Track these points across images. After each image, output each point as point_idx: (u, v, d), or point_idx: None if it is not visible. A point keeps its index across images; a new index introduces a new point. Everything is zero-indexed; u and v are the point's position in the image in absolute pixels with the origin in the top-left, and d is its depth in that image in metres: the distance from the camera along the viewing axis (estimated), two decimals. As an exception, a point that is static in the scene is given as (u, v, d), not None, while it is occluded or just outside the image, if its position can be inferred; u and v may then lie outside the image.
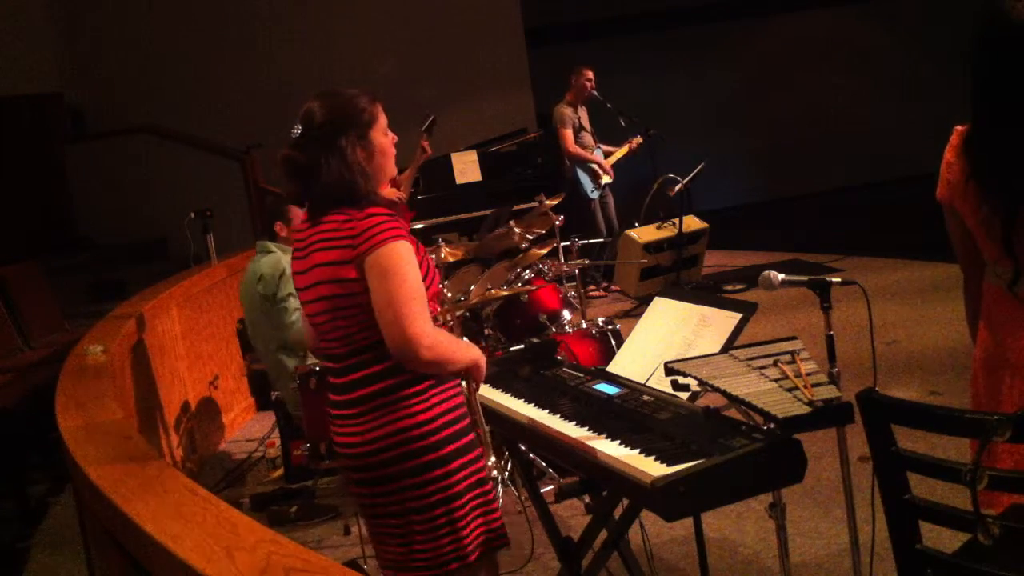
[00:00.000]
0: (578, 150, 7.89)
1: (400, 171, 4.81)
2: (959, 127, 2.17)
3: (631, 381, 2.74)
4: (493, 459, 3.62)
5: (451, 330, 4.06)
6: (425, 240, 4.99)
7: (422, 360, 2.23)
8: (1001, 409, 2.11)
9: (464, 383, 2.45)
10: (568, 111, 7.96)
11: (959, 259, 2.30)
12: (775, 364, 2.42)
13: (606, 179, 8.04)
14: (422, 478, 2.29)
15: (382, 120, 2.36)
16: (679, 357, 2.57)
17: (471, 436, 2.39)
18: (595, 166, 7.94)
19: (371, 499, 2.38)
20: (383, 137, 2.35)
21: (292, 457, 4.82)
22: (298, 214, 4.17)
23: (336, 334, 2.32)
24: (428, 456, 2.29)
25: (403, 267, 2.22)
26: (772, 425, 2.20)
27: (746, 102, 12.87)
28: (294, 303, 4.30)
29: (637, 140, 8.13)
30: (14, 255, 6.96)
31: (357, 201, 2.26)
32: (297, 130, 2.30)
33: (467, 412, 2.41)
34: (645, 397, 2.57)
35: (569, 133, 7.88)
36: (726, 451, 2.11)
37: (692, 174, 7.47)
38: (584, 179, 7.92)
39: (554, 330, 4.53)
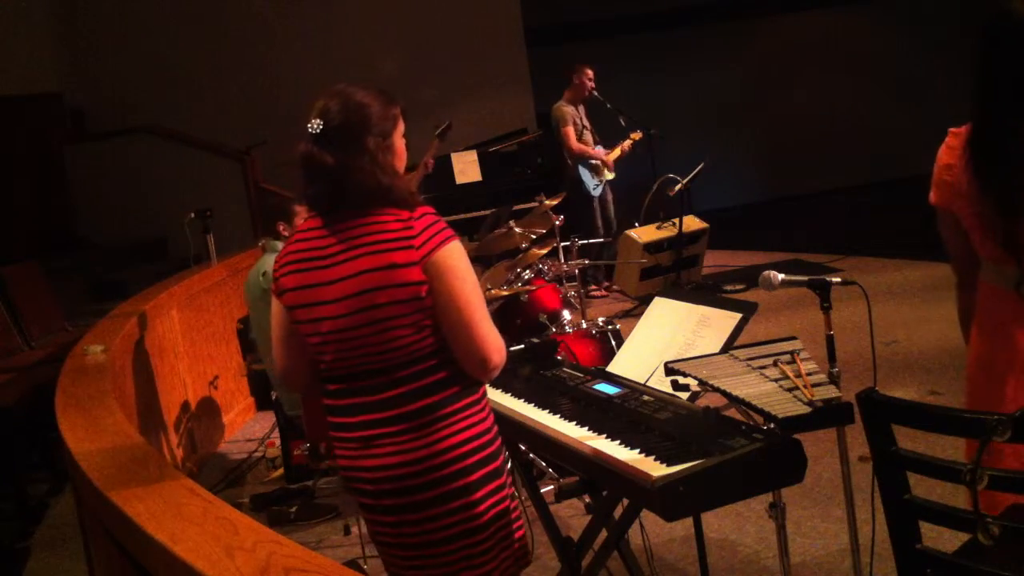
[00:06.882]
0: (582, 147, 7.88)
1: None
2: (954, 129, 2.15)
3: (631, 381, 2.74)
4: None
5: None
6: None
7: (491, 364, 2.12)
8: (1003, 411, 2.10)
9: None
10: (569, 109, 7.94)
11: (954, 262, 2.28)
12: (775, 364, 2.42)
13: (608, 175, 8.03)
14: (470, 499, 2.13)
15: (402, 124, 2.26)
16: (679, 357, 2.57)
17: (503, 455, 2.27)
18: (597, 161, 7.93)
19: (413, 527, 2.16)
20: (401, 140, 2.25)
21: (292, 457, 4.84)
22: (301, 214, 4.16)
23: (385, 346, 2.10)
24: (481, 471, 2.15)
25: (467, 267, 2.12)
26: (772, 425, 2.20)
27: (746, 102, 12.87)
28: None
29: (636, 135, 8.10)
30: (14, 255, 6.95)
31: (398, 202, 2.12)
32: (316, 125, 2.14)
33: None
34: (645, 397, 2.57)
35: (571, 131, 7.86)
36: (726, 451, 2.11)
37: (692, 174, 7.47)
38: (586, 176, 7.91)
39: (554, 330, 4.53)
